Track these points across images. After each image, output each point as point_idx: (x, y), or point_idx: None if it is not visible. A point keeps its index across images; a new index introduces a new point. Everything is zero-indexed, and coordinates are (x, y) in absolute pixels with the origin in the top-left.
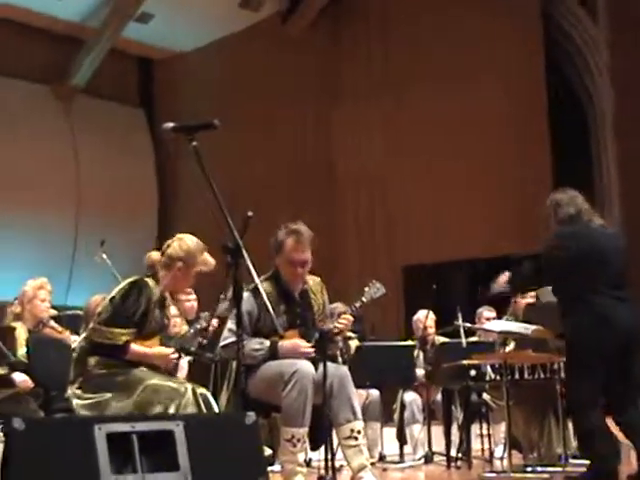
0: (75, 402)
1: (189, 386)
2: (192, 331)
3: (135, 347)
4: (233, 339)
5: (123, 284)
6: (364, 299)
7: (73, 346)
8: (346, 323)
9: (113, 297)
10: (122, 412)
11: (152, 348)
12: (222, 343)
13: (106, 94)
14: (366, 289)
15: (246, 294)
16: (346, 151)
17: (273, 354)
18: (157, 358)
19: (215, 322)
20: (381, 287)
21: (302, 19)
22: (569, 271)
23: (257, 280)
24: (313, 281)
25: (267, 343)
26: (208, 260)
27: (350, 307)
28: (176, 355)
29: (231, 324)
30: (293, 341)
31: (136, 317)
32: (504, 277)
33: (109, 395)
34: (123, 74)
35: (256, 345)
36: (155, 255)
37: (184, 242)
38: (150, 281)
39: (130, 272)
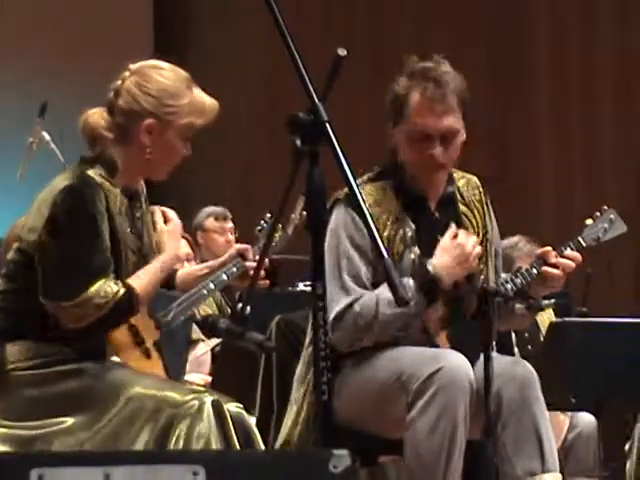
0: None
1: (208, 398)
2: (220, 278)
3: (137, 282)
4: (347, 301)
5: (47, 196)
6: (583, 241)
7: None
8: (559, 273)
9: (48, 229)
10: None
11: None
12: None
13: None
14: (589, 222)
15: (339, 210)
16: None
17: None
18: (165, 269)
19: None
20: (618, 220)
21: None
22: None
23: (352, 180)
24: (465, 181)
25: (411, 283)
26: (202, 99)
27: (557, 251)
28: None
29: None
30: (453, 244)
31: (105, 243)
32: None
33: (65, 422)
34: None
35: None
36: (96, 115)
37: (148, 76)
38: (95, 174)
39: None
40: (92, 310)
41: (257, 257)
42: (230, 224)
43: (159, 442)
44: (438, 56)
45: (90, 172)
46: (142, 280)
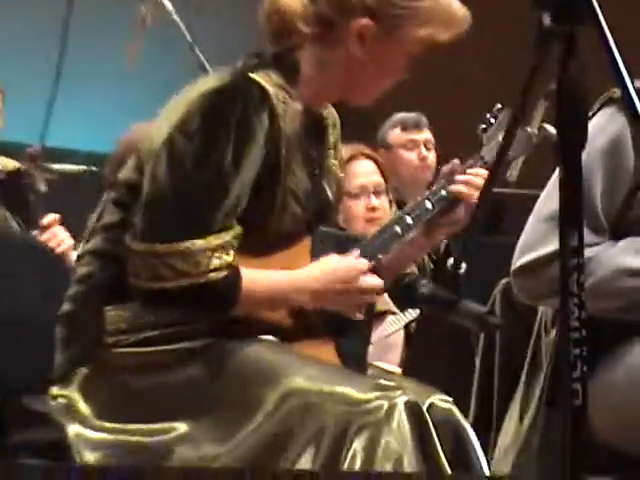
0: (75, 431)
1: (400, 398)
2: (423, 206)
3: (253, 276)
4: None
5: (182, 101)
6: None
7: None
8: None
9: (168, 143)
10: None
11: (298, 270)
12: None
13: None
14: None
15: (612, 114)
16: None
17: None
18: (324, 291)
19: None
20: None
21: None
22: None
23: (626, 77)
24: None
25: None
26: (450, 5)
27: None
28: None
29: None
30: None
31: (244, 190)
32: None
33: (181, 427)
34: None
35: None
36: None
37: None
38: (263, 79)
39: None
40: (170, 273)
41: (477, 170)
42: (426, 134)
43: (329, 460)
44: None
45: (256, 75)
46: (260, 283)
